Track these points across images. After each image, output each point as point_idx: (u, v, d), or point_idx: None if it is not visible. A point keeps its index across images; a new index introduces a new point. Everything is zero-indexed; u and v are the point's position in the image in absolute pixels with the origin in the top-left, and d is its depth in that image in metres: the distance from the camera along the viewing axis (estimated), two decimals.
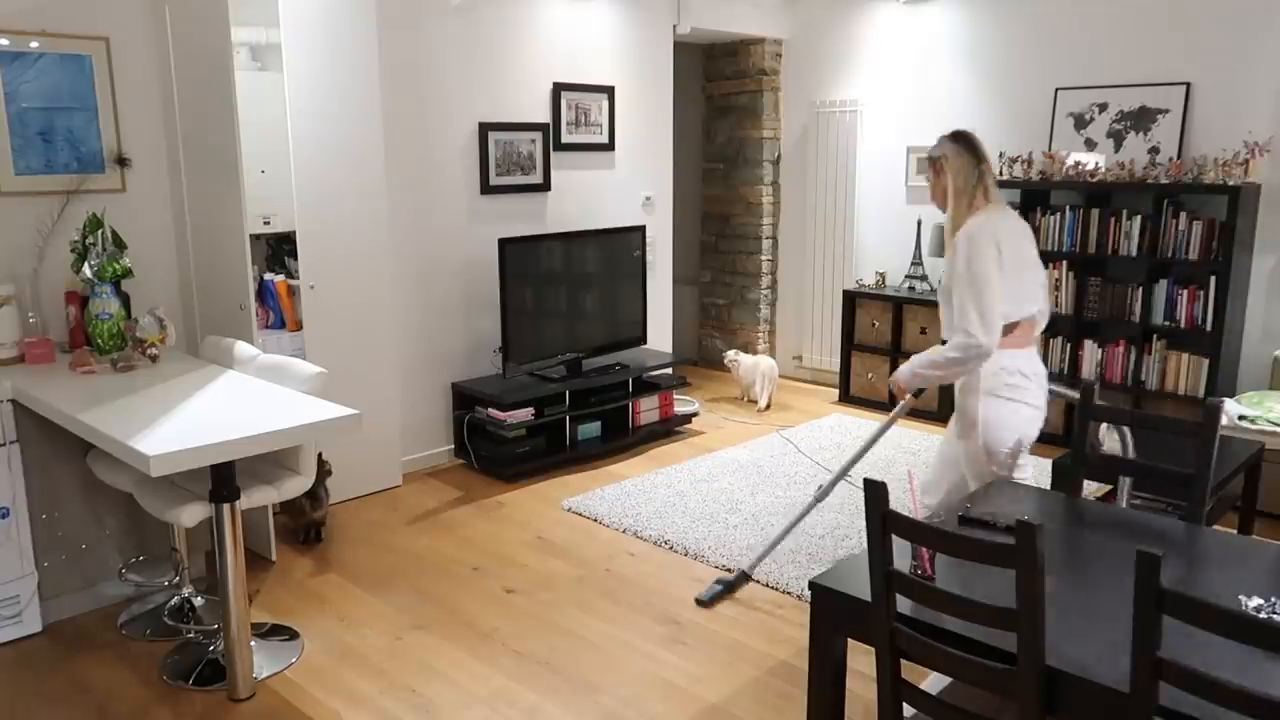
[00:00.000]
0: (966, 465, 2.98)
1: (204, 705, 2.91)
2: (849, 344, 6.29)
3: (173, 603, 3.45)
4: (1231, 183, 4.73)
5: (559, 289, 5.22)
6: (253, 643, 3.05)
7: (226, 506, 2.83)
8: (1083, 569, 2.20)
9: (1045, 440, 5.33)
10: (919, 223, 6.14)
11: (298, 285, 4.31)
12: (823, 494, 3.57)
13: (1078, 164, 5.22)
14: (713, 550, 3.95)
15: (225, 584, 2.87)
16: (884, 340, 6.11)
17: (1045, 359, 5.45)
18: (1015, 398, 2.91)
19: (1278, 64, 4.83)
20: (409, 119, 4.74)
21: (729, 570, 3.75)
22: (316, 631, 3.34)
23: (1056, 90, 5.50)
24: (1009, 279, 2.82)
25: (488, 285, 5.05)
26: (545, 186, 5.37)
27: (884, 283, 6.32)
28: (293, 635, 3.29)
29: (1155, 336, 5.09)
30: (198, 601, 3.46)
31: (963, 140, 3.02)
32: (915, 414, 5.99)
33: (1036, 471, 3.28)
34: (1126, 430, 3.36)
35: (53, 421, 2.99)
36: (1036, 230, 5.41)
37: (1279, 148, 4.86)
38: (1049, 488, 3.58)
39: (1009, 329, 2.85)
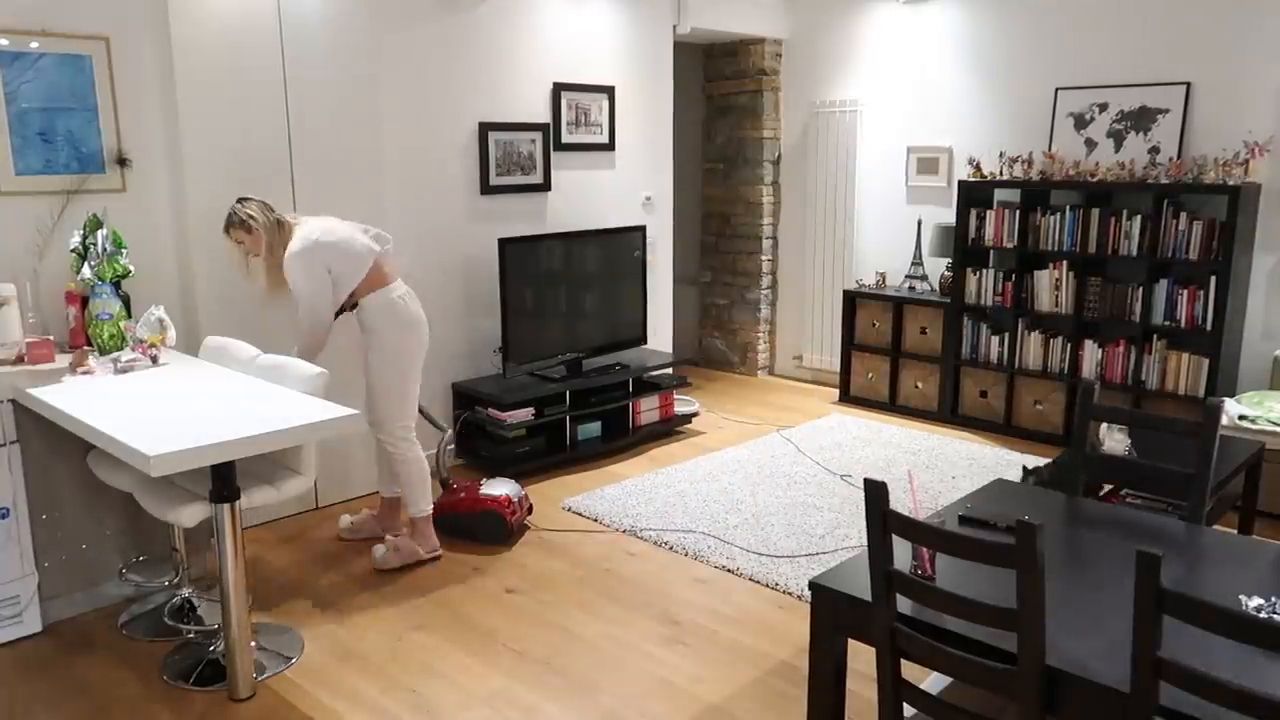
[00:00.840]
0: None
1: (204, 705, 2.91)
2: (849, 344, 6.29)
3: (173, 603, 3.45)
4: (1231, 183, 4.73)
5: (559, 289, 5.22)
6: (253, 643, 3.05)
7: (226, 506, 2.83)
8: (1083, 569, 2.20)
9: (1046, 440, 5.39)
10: (919, 223, 6.15)
11: None
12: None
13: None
14: (713, 550, 3.95)
15: (225, 584, 2.87)
16: (884, 340, 6.11)
17: (1045, 359, 5.46)
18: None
19: (1278, 64, 4.83)
20: (409, 119, 4.74)
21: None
22: (316, 632, 3.34)
23: (1056, 90, 5.50)
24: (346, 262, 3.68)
25: (488, 285, 5.05)
26: (545, 186, 5.37)
27: (884, 283, 6.32)
28: (291, 636, 3.29)
29: (1155, 336, 5.09)
30: (197, 601, 3.46)
31: (252, 202, 3.64)
32: (915, 414, 6.00)
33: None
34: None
35: (53, 421, 2.99)
36: (1036, 230, 5.41)
37: (1279, 148, 4.86)
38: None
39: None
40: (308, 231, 3.63)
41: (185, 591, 3.47)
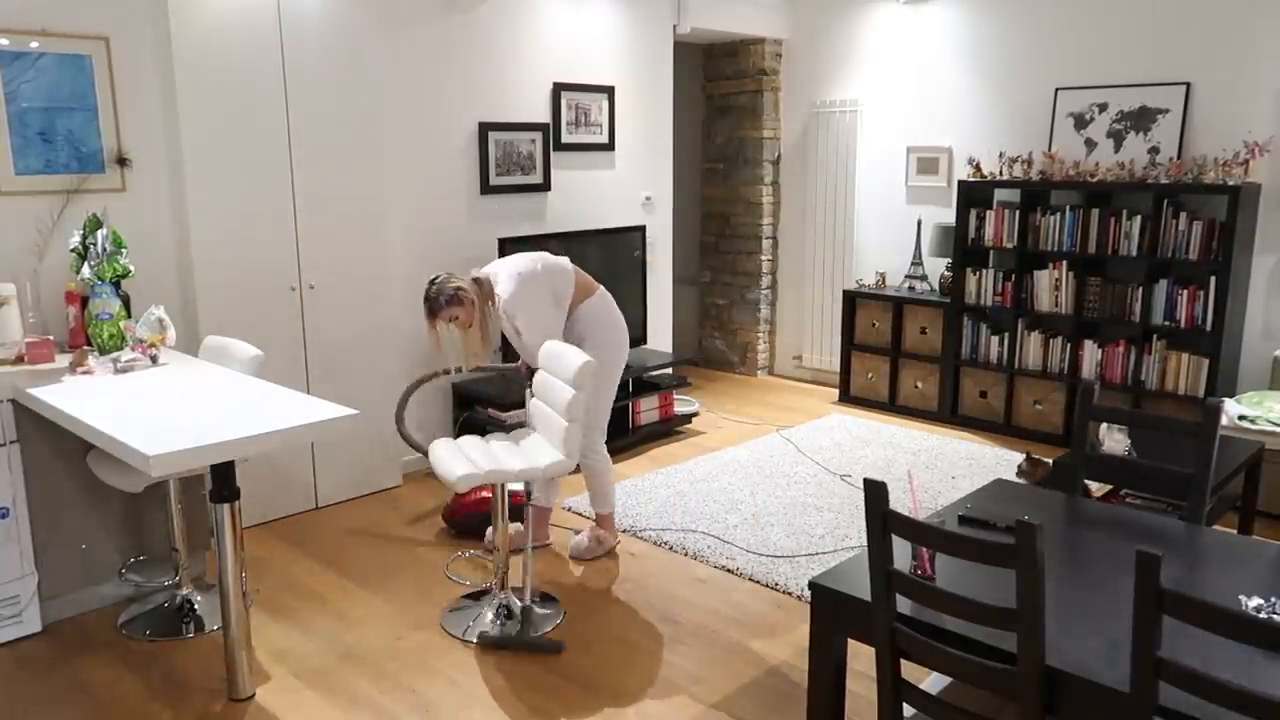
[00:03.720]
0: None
1: (204, 705, 2.91)
2: (849, 344, 6.29)
3: (174, 603, 3.45)
4: (1231, 183, 4.73)
5: None
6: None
7: (226, 506, 2.83)
8: (1083, 569, 2.20)
9: (1046, 440, 5.38)
10: (919, 223, 6.15)
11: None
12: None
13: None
14: (713, 550, 3.95)
15: (225, 584, 2.87)
16: (884, 340, 6.11)
17: (1045, 359, 5.46)
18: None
19: (1278, 64, 4.83)
20: (409, 119, 4.74)
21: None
22: (316, 631, 3.34)
23: (1056, 90, 5.50)
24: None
25: None
26: (545, 186, 5.37)
27: (884, 283, 6.32)
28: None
29: (1155, 336, 5.09)
30: (197, 600, 3.47)
31: (449, 276, 3.59)
32: (915, 414, 6.00)
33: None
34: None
35: (53, 421, 2.99)
36: (1036, 230, 5.41)
37: (1279, 148, 4.86)
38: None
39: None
40: (510, 270, 3.62)
41: (184, 591, 3.47)
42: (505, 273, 3.62)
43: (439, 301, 3.48)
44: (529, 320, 3.59)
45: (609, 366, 3.82)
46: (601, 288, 3.88)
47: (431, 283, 3.52)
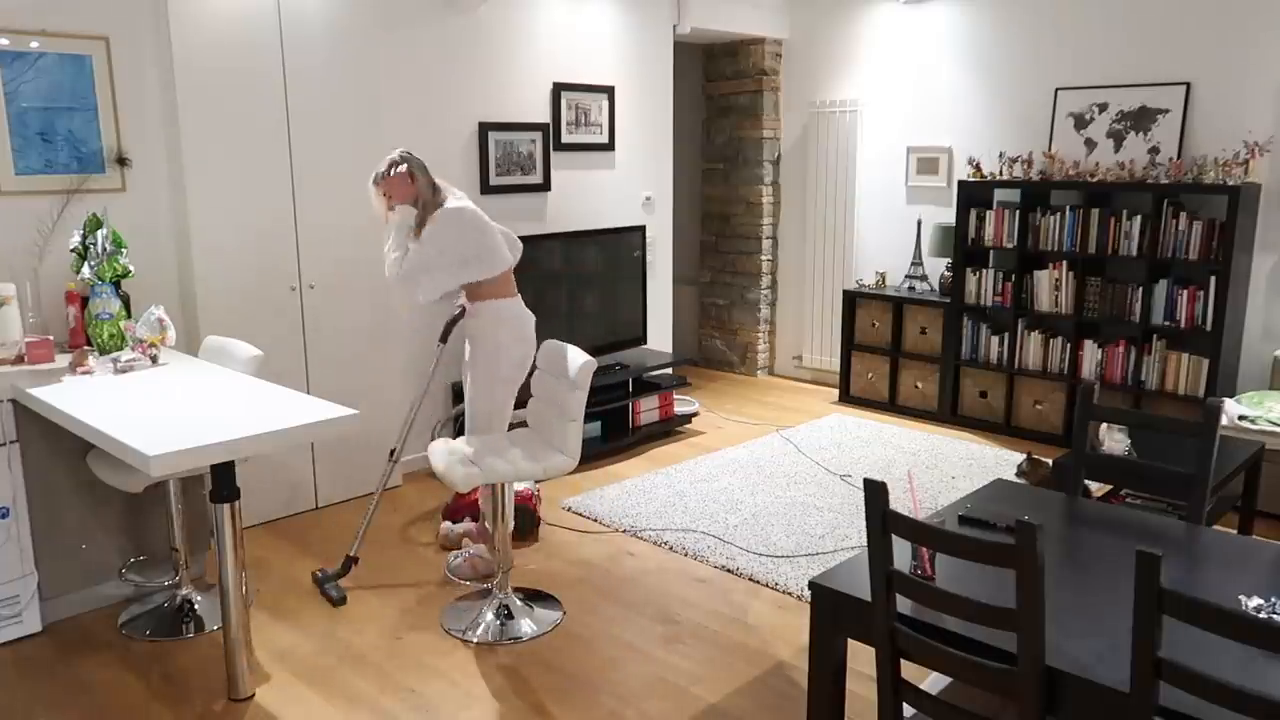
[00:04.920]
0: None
1: (204, 705, 2.91)
2: (849, 344, 6.29)
3: (174, 603, 3.45)
4: (1231, 183, 4.73)
5: (559, 289, 5.22)
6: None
7: (226, 506, 2.83)
8: (1083, 569, 2.20)
9: (1046, 440, 5.38)
10: (919, 223, 6.15)
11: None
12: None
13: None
14: (712, 550, 3.95)
15: (225, 584, 2.87)
16: (884, 340, 6.11)
17: (1045, 359, 5.46)
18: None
19: (1278, 64, 4.83)
20: (409, 119, 4.74)
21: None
22: (316, 631, 3.34)
23: (1056, 90, 5.50)
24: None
25: None
26: (545, 186, 5.37)
27: (884, 283, 6.32)
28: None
29: (1155, 336, 5.09)
30: (197, 600, 3.47)
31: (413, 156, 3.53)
32: (915, 414, 6.00)
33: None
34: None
35: (53, 421, 2.99)
36: (1036, 230, 5.41)
37: (1279, 148, 4.86)
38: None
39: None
40: (461, 207, 3.49)
41: (184, 591, 3.47)
42: (454, 202, 3.50)
43: (384, 171, 3.48)
44: (432, 243, 3.43)
45: (501, 372, 3.60)
46: (518, 299, 3.66)
47: (397, 153, 3.50)
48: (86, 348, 3.58)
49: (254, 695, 2.95)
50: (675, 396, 5.67)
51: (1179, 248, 4.93)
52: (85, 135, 3.75)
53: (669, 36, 5.99)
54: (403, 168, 3.47)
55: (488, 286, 3.57)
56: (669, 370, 5.72)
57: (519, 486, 4.12)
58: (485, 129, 5.04)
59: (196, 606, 3.44)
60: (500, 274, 3.58)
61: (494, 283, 3.58)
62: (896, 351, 6.06)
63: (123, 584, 3.56)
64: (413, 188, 3.47)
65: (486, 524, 3.87)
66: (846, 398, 6.34)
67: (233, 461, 2.77)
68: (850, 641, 2.20)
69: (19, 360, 3.39)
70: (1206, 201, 4.97)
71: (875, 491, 1.92)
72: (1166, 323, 5.04)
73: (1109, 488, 3.93)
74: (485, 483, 3.17)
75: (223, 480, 2.82)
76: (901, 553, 2.08)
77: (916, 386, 6.00)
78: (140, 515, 3.59)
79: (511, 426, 3.80)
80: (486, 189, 5.10)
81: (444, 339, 3.86)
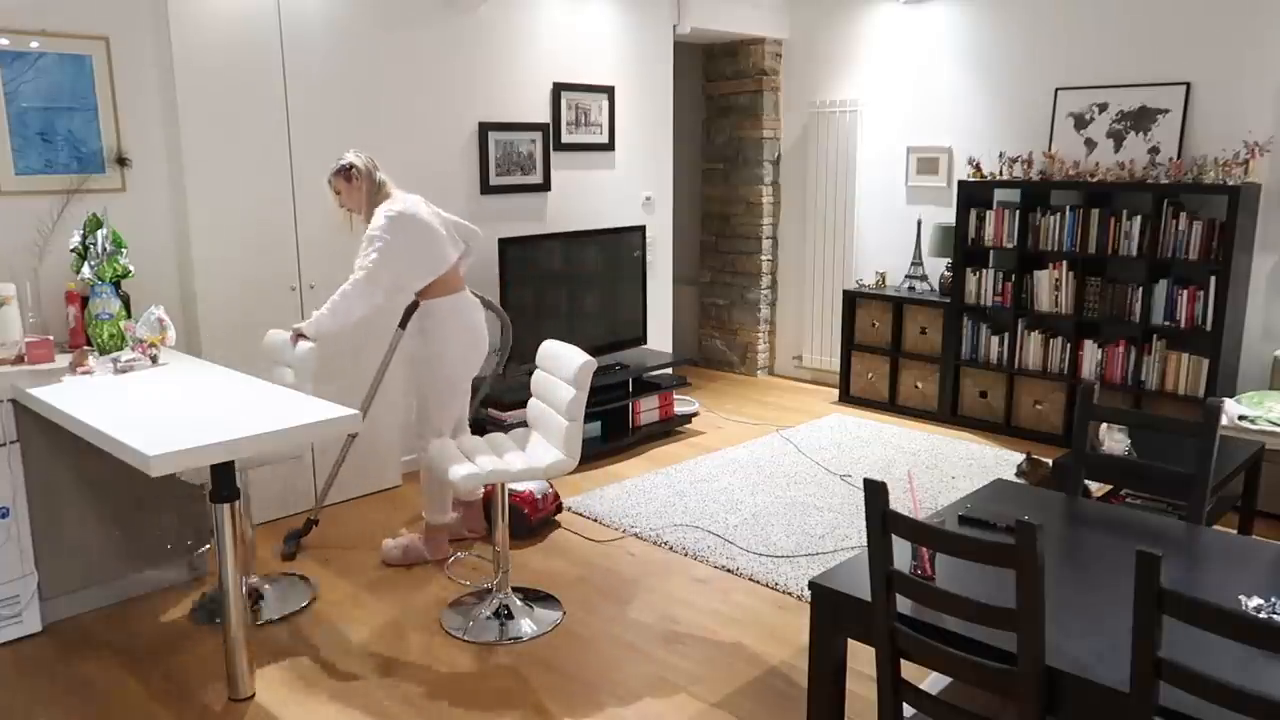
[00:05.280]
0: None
1: (204, 705, 2.91)
2: (849, 344, 6.29)
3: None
4: (1231, 183, 4.73)
5: (559, 289, 5.22)
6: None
7: (226, 506, 2.83)
8: (1083, 569, 2.20)
9: (1046, 440, 5.38)
10: (919, 223, 6.15)
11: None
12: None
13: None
14: (713, 550, 3.95)
15: (225, 584, 2.87)
16: (884, 340, 6.11)
17: (1045, 359, 5.46)
18: None
19: (1278, 64, 4.83)
20: (409, 119, 4.74)
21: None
22: (317, 632, 3.34)
23: (1056, 90, 5.50)
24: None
25: (488, 285, 5.05)
26: (545, 186, 5.37)
27: (884, 283, 6.32)
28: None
29: (1155, 336, 5.09)
30: (266, 588, 3.57)
31: (361, 154, 3.73)
32: (915, 414, 6.00)
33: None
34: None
35: (53, 421, 2.99)
36: (1036, 230, 5.41)
37: (1279, 148, 4.86)
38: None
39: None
40: (403, 205, 3.61)
41: (253, 580, 3.54)
42: (399, 202, 3.62)
43: (335, 168, 3.67)
44: (375, 245, 3.53)
45: (448, 369, 3.73)
46: (467, 293, 3.79)
47: (349, 154, 3.69)
48: (86, 348, 3.58)
49: (254, 695, 2.95)
50: (675, 396, 5.67)
51: (1179, 248, 4.93)
52: (85, 135, 3.75)
53: (669, 36, 5.99)
54: (344, 168, 3.65)
55: (434, 285, 3.70)
56: (669, 370, 5.72)
57: (520, 487, 4.12)
58: (485, 129, 5.04)
59: (263, 596, 3.52)
60: (443, 274, 3.68)
61: (441, 281, 3.70)
62: (896, 351, 6.06)
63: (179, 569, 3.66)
64: (352, 192, 3.67)
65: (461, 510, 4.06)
66: (846, 398, 6.34)
67: (233, 461, 2.77)
68: (850, 641, 2.20)
69: (19, 360, 3.39)
70: (1206, 201, 4.97)
71: (875, 491, 1.92)
72: (1166, 323, 5.04)
73: (1109, 488, 3.93)
74: (486, 484, 3.17)
75: (223, 480, 2.82)
76: (901, 553, 2.08)
77: (916, 386, 6.00)
78: (140, 514, 3.58)
79: (511, 427, 3.81)
80: (486, 189, 5.10)
81: (403, 325, 3.91)
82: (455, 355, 3.74)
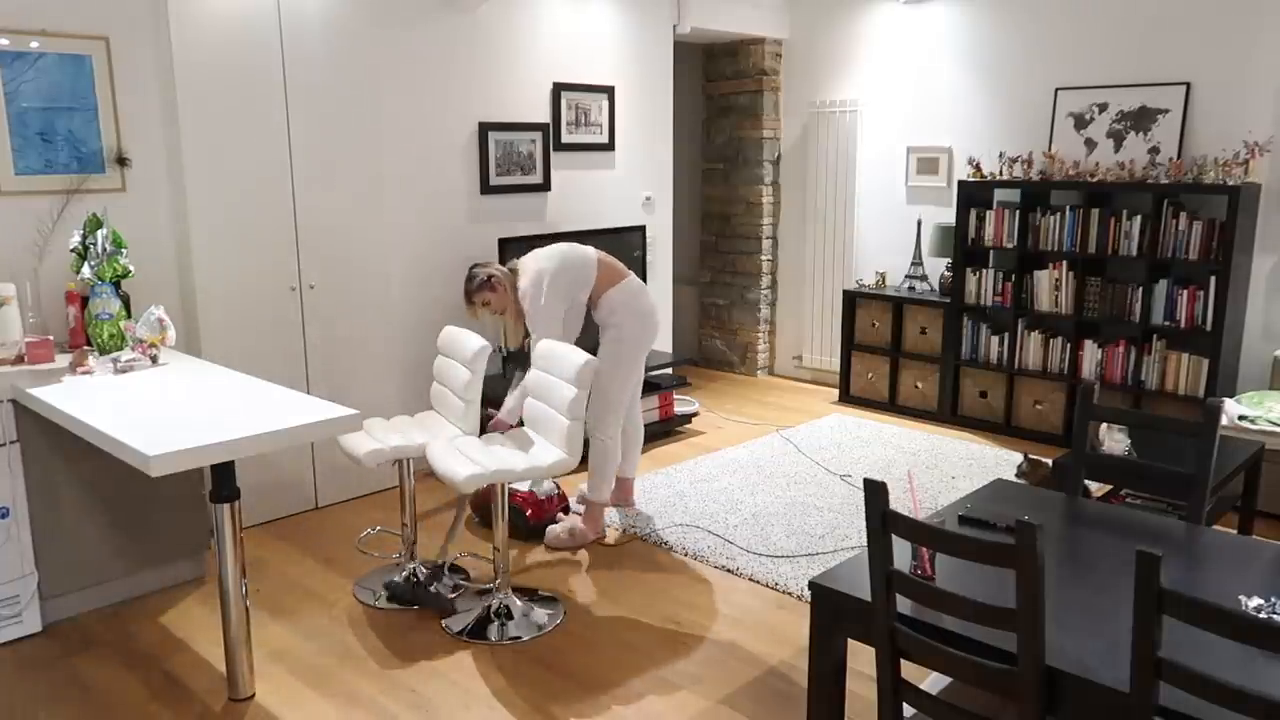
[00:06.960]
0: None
1: (204, 705, 2.91)
2: (849, 344, 6.29)
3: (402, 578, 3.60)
4: (1231, 183, 4.73)
5: None
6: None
7: (226, 506, 2.83)
8: (1083, 569, 2.20)
9: (1046, 440, 5.38)
10: (919, 223, 6.15)
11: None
12: None
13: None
14: (713, 550, 3.95)
15: (225, 583, 2.87)
16: (884, 340, 6.11)
17: (1045, 359, 5.46)
18: None
19: (1278, 64, 4.83)
20: (409, 119, 4.74)
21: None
22: (316, 631, 3.34)
23: (1056, 90, 5.50)
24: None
25: None
26: (545, 186, 5.37)
27: (884, 283, 6.32)
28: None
29: (1155, 336, 5.09)
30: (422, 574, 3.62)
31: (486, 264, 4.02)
32: (915, 414, 6.00)
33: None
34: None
35: (53, 421, 2.99)
36: (1036, 230, 5.41)
37: (1279, 148, 4.86)
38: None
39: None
40: (533, 266, 3.92)
41: (413, 564, 3.62)
42: (530, 267, 3.93)
43: (472, 284, 3.90)
44: (533, 314, 3.89)
45: (628, 352, 4.03)
46: (631, 276, 4.10)
47: (470, 269, 3.94)
48: (86, 348, 3.58)
49: (254, 695, 2.95)
50: (675, 396, 5.66)
51: (1179, 248, 4.93)
52: (85, 135, 3.75)
53: (669, 36, 5.99)
54: (483, 280, 3.89)
55: (596, 287, 4.01)
56: (669, 370, 5.72)
57: (520, 488, 4.12)
58: (485, 129, 5.04)
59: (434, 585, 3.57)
60: (599, 274, 4.00)
61: (601, 279, 4.01)
62: (896, 351, 6.06)
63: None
64: (501, 294, 3.91)
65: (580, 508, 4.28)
66: (846, 398, 6.34)
67: (233, 461, 2.77)
68: (850, 641, 2.20)
69: (19, 360, 3.39)
70: (1206, 201, 4.97)
71: (875, 491, 1.92)
72: (1166, 323, 5.04)
73: (1109, 488, 3.93)
74: (488, 483, 3.17)
75: (223, 480, 2.82)
76: (901, 553, 2.08)
77: (916, 386, 6.00)
78: (140, 514, 3.58)
79: (511, 427, 3.81)
80: (486, 189, 5.10)
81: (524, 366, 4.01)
82: (631, 335, 4.03)
